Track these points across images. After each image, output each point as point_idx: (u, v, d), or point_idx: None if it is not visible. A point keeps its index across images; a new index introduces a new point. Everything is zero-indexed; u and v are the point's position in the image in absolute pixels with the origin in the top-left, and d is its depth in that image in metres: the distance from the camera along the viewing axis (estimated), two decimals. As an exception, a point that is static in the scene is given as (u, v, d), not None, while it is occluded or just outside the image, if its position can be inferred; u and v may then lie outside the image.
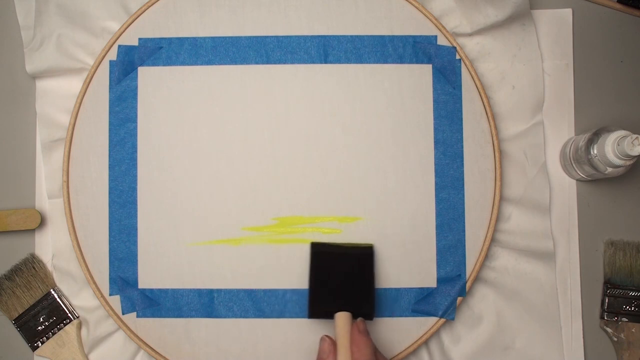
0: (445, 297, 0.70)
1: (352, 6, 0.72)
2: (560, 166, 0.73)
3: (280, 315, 0.70)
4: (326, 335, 0.64)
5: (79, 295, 0.72)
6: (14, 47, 0.75)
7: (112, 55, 0.72)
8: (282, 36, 0.72)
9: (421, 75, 0.72)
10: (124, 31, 0.72)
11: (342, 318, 0.64)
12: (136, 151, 0.72)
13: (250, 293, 0.70)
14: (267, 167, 0.72)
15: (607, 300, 0.72)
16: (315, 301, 0.67)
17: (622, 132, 0.64)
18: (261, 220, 0.71)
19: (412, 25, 0.72)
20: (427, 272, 0.71)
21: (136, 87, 0.72)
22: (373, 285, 0.68)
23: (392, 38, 0.72)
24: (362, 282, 0.68)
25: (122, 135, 0.72)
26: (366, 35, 0.72)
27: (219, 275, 0.71)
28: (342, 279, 0.67)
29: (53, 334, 0.71)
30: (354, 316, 0.65)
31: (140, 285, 0.71)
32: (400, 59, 0.72)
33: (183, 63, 0.72)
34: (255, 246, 0.71)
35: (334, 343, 0.63)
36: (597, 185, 0.74)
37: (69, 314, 0.72)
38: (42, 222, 0.72)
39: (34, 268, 0.72)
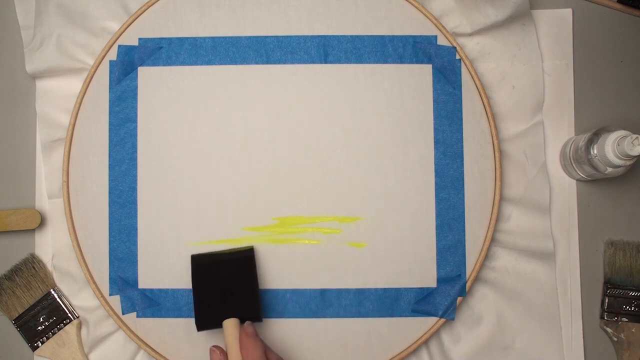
0: (445, 297, 0.70)
1: (352, 6, 0.72)
2: (560, 166, 0.73)
3: (280, 315, 0.70)
4: (214, 346, 0.63)
5: (79, 295, 0.72)
6: (14, 47, 0.75)
7: (112, 55, 0.72)
8: (282, 36, 0.72)
9: (421, 75, 0.72)
10: (124, 31, 0.72)
11: (229, 325, 0.64)
12: (136, 151, 0.72)
13: (250, 293, 0.70)
14: (267, 167, 0.72)
15: (607, 300, 0.72)
16: (201, 313, 0.66)
17: (622, 132, 0.64)
18: (261, 220, 0.71)
19: (412, 25, 0.72)
20: (427, 272, 0.71)
21: (136, 87, 0.72)
22: (256, 287, 0.68)
23: (392, 38, 0.72)
24: (245, 285, 0.67)
25: (122, 135, 0.72)
26: (366, 35, 0.72)
27: (219, 275, 0.71)
28: (225, 286, 0.67)
29: (53, 334, 0.71)
30: (242, 320, 0.65)
31: (140, 285, 0.71)
32: (400, 59, 0.72)
33: (183, 63, 0.72)
34: (255, 246, 0.71)
35: (224, 352, 0.63)
36: (597, 185, 0.74)
37: (69, 314, 0.72)
38: (42, 222, 0.72)
39: (34, 268, 0.72)
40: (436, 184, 0.71)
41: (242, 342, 0.62)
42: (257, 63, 0.72)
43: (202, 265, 0.68)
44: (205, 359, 0.70)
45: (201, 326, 0.66)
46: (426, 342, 0.71)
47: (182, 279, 0.71)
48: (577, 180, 0.73)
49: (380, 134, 0.72)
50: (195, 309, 0.67)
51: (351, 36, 0.72)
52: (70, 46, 0.73)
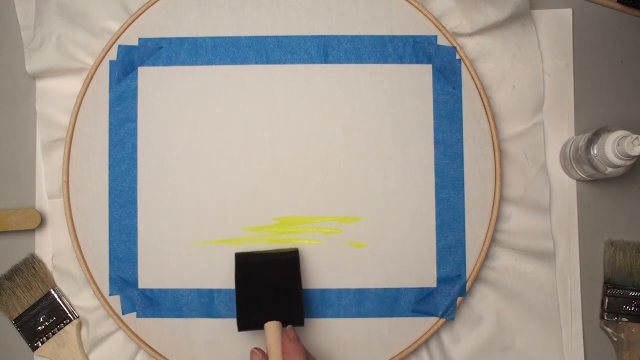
0: (445, 297, 0.70)
1: (352, 6, 0.72)
2: (560, 166, 0.73)
3: (281, 315, 0.70)
4: (256, 348, 0.63)
5: (79, 295, 0.72)
6: (14, 47, 0.75)
7: (112, 55, 0.72)
8: (282, 36, 0.72)
9: (421, 75, 0.72)
10: (124, 31, 0.72)
11: (272, 328, 0.63)
12: (136, 151, 0.72)
13: (250, 293, 0.70)
14: (267, 167, 0.72)
15: (607, 300, 0.72)
16: (243, 313, 0.66)
17: (622, 132, 0.64)
18: (261, 220, 0.71)
19: (412, 25, 0.72)
20: (427, 272, 0.71)
21: (136, 87, 0.72)
22: (300, 290, 0.67)
23: (392, 38, 0.72)
24: (289, 288, 0.67)
25: (122, 135, 0.72)
26: (366, 35, 0.72)
27: (219, 275, 0.71)
28: (268, 288, 0.66)
29: (53, 334, 0.71)
30: (284, 324, 0.64)
31: (140, 285, 0.71)
32: (400, 59, 0.72)
33: (183, 63, 0.72)
34: (255, 246, 0.71)
35: (265, 355, 0.62)
36: (597, 185, 0.74)
37: (69, 314, 0.72)
38: (42, 222, 0.72)
39: (34, 268, 0.72)
40: (436, 184, 0.71)
41: (285, 346, 0.61)
42: (257, 63, 0.72)
43: (246, 264, 0.68)
44: (205, 358, 0.70)
45: (242, 326, 0.66)
46: (426, 342, 0.71)
47: (182, 278, 0.71)
48: (577, 180, 0.73)
49: (380, 134, 0.72)
50: (237, 308, 0.66)
51: (351, 36, 0.72)
52: (70, 46, 0.73)
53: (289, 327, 0.64)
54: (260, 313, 0.65)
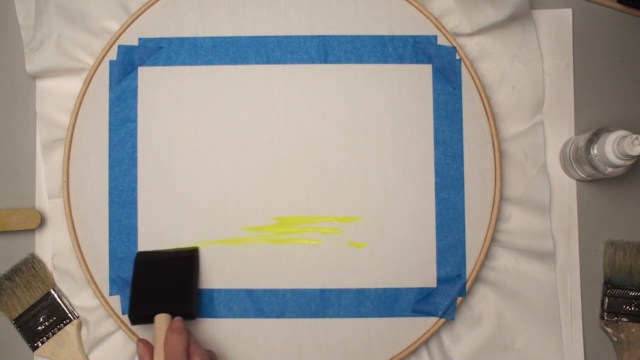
0: (445, 297, 0.70)
1: (352, 6, 0.72)
2: (560, 166, 0.73)
3: (280, 315, 0.70)
4: (139, 339, 0.64)
5: (79, 295, 0.72)
6: (14, 47, 0.75)
7: (112, 55, 0.72)
8: (282, 36, 0.72)
9: (421, 75, 0.72)
10: (124, 31, 0.72)
11: (159, 320, 0.64)
12: (136, 151, 0.72)
13: (250, 293, 0.70)
14: (267, 167, 0.72)
15: (607, 300, 0.72)
16: (134, 307, 0.67)
17: (622, 132, 0.64)
18: (261, 220, 0.71)
19: (412, 25, 0.72)
20: (427, 272, 0.71)
21: (136, 87, 0.72)
22: (194, 285, 0.69)
23: (392, 38, 0.72)
24: (182, 283, 0.68)
25: (122, 135, 0.72)
26: (366, 35, 0.72)
27: (219, 275, 0.71)
28: (162, 283, 0.68)
29: (53, 334, 0.71)
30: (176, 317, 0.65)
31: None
32: (400, 59, 0.72)
33: (183, 63, 0.72)
34: (255, 246, 0.71)
35: (148, 344, 0.64)
36: (597, 185, 0.74)
37: (69, 314, 0.72)
38: (42, 222, 0.72)
39: (34, 268, 0.72)
40: (436, 184, 0.71)
41: (167, 336, 0.63)
42: (257, 63, 0.72)
43: (144, 261, 0.69)
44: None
45: (134, 320, 0.67)
46: (426, 342, 0.71)
47: (182, 279, 0.71)
48: (577, 180, 0.73)
49: (380, 134, 0.72)
50: (129, 302, 0.67)
51: (351, 36, 0.72)
52: (70, 46, 0.73)
53: (175, 318, 0.64)
54: (151, 307, 0.66)
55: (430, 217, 0.71)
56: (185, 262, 0.69)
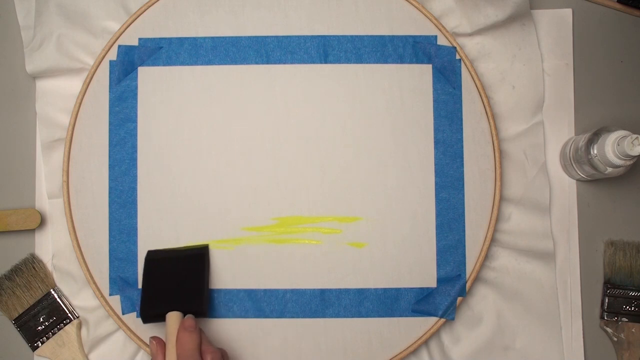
0: (445, 297, 0.70)
1: (352, 6, 0.72)
2: (560, 166, 0.73)
3: (280, 315, 0.70)
4: (152, 337, 0.64)
5: (79, 295, 0.72)
6: (14, 47, 0.75)
7: (112, 55, 0.72)
8: (282, 36, 0.72)
9: (421, 75, 0.72)
10: (124, 31, 0.72)
11: (171, 318, 0.64)
12: (136, 151, 0.72)
13: (250, 293, 0.70)
14: (267, 167, 0.72)
15: (607, 300, 0.72)
16: (145, 305, 0.67)
17: (622, 132, 0.64)
18: (261, 220, 0.71)
19: (412, 25, 0.72)
20: (427, 272, 0.71)
21: (136, 87, 0.72)
22: (205, 283, 0.69)
23: (392, 38, 0.72)
24: (193, 281, 0.68)
25: (122, 135, 0.72)
26: (366, 35, 0.72)
27: (219, 275, 0.71)
28: (173, 281, 0.68)
29: (53, 334, 0.71)
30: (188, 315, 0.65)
31: (140, 285, 0.70)
32: (400, 59, 0.72)
33: (183, 63, 0.72)
34: (255, 246, 0.71)
35: (161, 342, 0.64)
36: (597, 185, 0.74)
37: (69, 314, 0.72)
38: (42, 222, 0.72)
39: (34, 268, 0.72)
40: (436, 184, 0.71)
41: (179, 334, 0.63)
42: (257, 63, 0.72)
43: (155, 260, 0.69)
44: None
45: (145, 318, 0.66)
46: (426, 342, 0.71)
47: (182, 279, 0.71)
48: (577, 180, 0.73)
49: (380, 133, 0.72)
50: (140, 301, 0.67)
51: (351, 36, 0.72)
52: (70, 46, 0.73)
53: (187, 316, 0.64)
54: (163, 305, 0.66)
55: (430, 217, 0.71)
56: (196, 259, 0.69)
